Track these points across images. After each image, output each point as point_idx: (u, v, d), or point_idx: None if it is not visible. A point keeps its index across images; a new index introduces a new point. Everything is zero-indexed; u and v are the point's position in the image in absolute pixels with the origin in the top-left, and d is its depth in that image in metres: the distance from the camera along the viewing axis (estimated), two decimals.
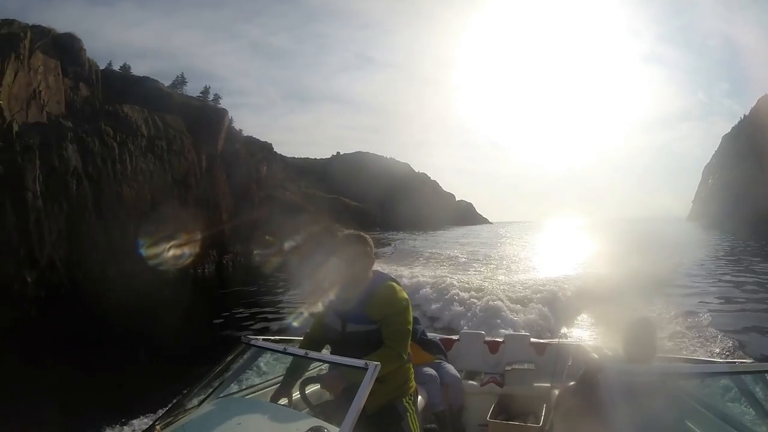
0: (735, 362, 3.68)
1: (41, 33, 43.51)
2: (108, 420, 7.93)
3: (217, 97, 65.78)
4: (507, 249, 44.50)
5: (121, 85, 52.87)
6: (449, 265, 29.79)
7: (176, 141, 45.40)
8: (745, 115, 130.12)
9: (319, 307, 3.96)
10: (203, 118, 51.58)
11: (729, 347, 11.36)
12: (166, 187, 41.81)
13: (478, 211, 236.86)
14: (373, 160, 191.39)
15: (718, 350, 11.08)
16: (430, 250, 41.95)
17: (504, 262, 31.15)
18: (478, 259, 33.69)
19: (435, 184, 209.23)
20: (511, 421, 5.50)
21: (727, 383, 3.66)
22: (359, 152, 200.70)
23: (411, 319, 3.70)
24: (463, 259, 33.83)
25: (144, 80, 57.26)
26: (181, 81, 66.11)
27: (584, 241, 45.54)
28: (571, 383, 4.33)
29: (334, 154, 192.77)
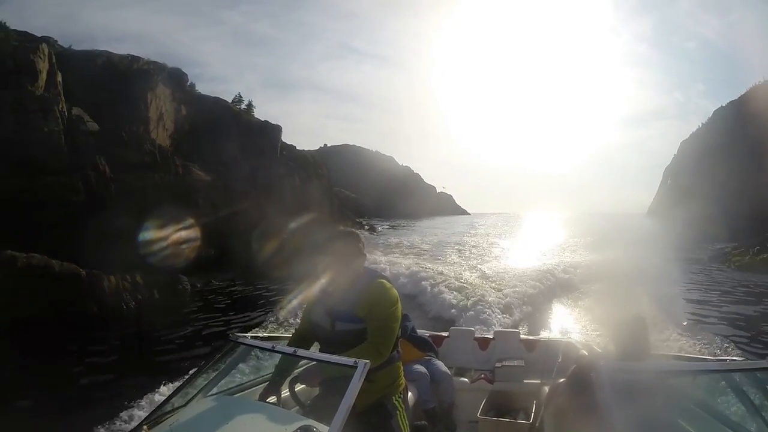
0: (726, 360, 3.46)
1: (159, 67, 56.33)
2: (94, 420, 7.52)
3: (251, 106, 73.42)
4: (487, 239, 44.26)
5: (199, 104, 61.04)
6: (430, 255, 29.46)
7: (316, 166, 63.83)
8: (702, 123, 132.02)
9: (308, 304, 3.73)
10: (264, 134, 61.87)
11: (718, 345, 11.24)
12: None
13: (458, 202, 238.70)
14: (359, 153, 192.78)
15: (707, 348, 10.92)
16: (408, 239, 42.06)
17: (487, 254, 30.77)
18: (462, 250, 33.34)
19: (418, 177, 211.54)
20: (501, 417, 5.29)
21: (719, 381, 3.48)
22: (346, 145, 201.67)
23: (398, 317, 3.45)
24: (448, 249, 33.50)
25: (216, 100, 65.69)
26: (238, 100, 73.09)
27: (561, 235, 45.86)
28: (561, 380, 4.20)
29: (322, 146, 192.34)
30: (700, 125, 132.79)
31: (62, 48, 49.82)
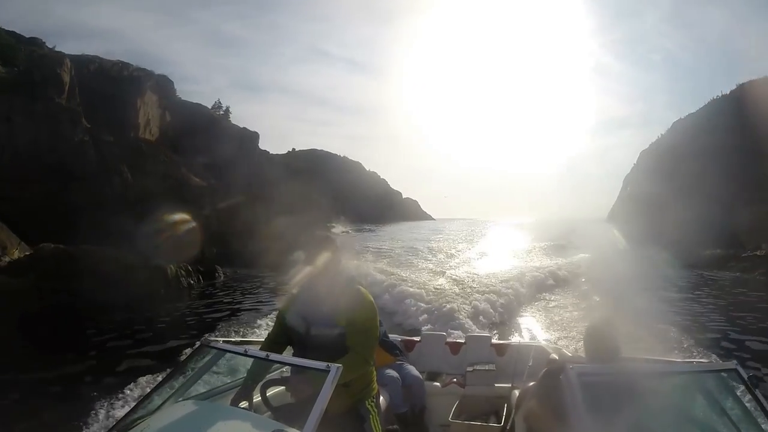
0: (693, 362, 3.51)
1: (148, 75, 58.85)
2: (65, 424, 7.30)
3: (228, 111, 78.58)
4: (454, 244, 44.02)
5: (181, 110, 63.59)
6: (398, 259, 29.19)
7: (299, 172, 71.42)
8: (661, 134, 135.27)
9: (282, 307, 3.67)
10: (243, 140, 66.15)
11: (683, 347, 11.39)
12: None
13: (423, 207, 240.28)
14: (327, 159, 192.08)
15: (672, 349, 11.04)
16: (376, 244, 41.88)
17: (455, 259, 30.41)
18: (430, 254, 33.00)
19: (384, 182, 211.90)
20: (472, 421, 5.30)
21: (686, 382, 3.50)
22: (314, 149, 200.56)
23: (377, 323, 3.47)
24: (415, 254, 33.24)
25: (197, 106, 69.73)
26: (218, 105, 78.39)
27: (526, 239, 46.08)
28: (532, 383, 4.17)
29: (290, 150, 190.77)
30: (659, 136, 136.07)
31: (51, 50, 50.96)
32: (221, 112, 75.36)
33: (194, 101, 73.26)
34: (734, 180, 69.95)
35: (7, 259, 21.84)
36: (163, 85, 61.84)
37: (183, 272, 22.67)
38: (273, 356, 3.09)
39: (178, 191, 36.86)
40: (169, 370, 3.73)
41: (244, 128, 70.35)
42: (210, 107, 74.85)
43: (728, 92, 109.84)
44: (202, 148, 53.52)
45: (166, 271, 21.62)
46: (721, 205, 59.62)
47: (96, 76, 51.65)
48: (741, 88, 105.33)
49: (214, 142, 56.10)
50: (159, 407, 3.19)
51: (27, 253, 22.31)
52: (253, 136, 69.59)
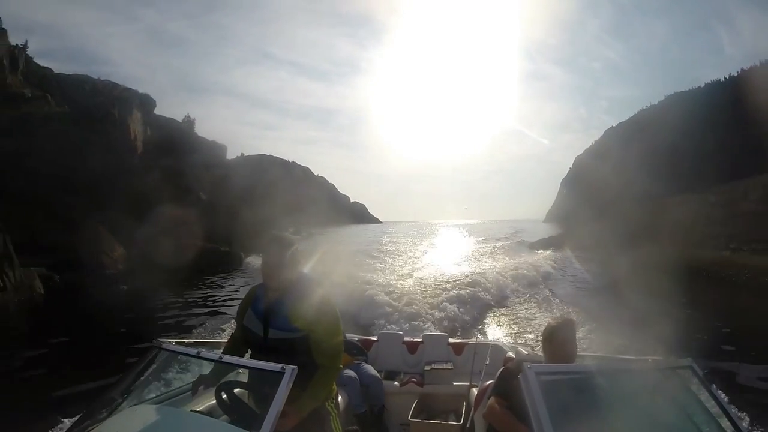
0: (648, 359, 3.50)
1: (133, 94, 61.60)
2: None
3: (193, 122, 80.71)
4: (405, 247, 44.06)
5: (158, 125, 65.20)
6: (352, 261, 28.89)
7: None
8: (595, 141, 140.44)
9: (240, 308, 3.45)
10: (213, 151, 70.75)
11: (638, 345, 11.54)
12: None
13: (370, 211, 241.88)
14: (276, 164, 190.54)
15: (627, 348, 11.18)
16: (328, 247, 41.59)
17: (408, 260, 30.33)
18: (382, 256, 32.67)
19: (332, 186, 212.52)
20: (432, 420, 5.26)
21: (643, 379, 3.49)
22: (263, 155, 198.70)
23: (341, 328, 3.29)
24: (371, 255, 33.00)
25: (169, 121, 71.44)
26: (187, 118, 79.83)
27: (473, 241, 46.55)
28: (490, 382, 4.15)
29: (239, 155, 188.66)
30: (593, 143, 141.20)
31: (43, 68, 56.44)
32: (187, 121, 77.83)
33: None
34: (661, 181, 73.03)
35: (116, 254, 31.69)
36: (146, 103, 64.90)
37: (244, 254, 36.66)
38: (226, 358, 2.95)
39: (190, 206, 42.75)
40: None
41: (213, 141, 74.89)
42: (180, 120, 76.99)
43: (656, 102, 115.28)
44: (178, 161, 56.18)
45: (237, 253, 36.14)
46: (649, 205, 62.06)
47: (92, 95, 55.83)
48: (668, 98, 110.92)
49: (188, 156, 59.11)
50: (113, 412, 3.03)
51: (123, 250, 32.28)
52: (222, 148, 75.69)
